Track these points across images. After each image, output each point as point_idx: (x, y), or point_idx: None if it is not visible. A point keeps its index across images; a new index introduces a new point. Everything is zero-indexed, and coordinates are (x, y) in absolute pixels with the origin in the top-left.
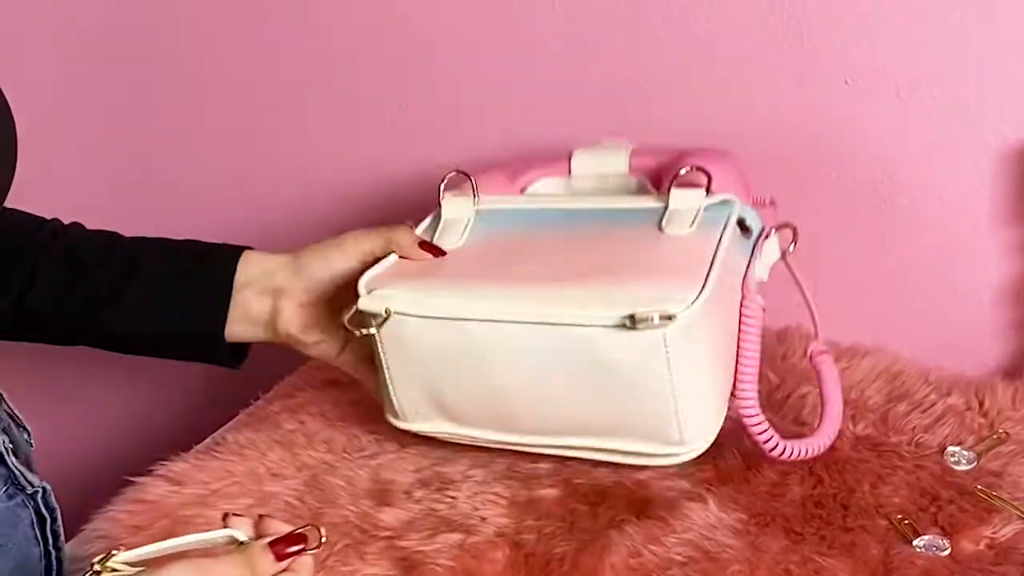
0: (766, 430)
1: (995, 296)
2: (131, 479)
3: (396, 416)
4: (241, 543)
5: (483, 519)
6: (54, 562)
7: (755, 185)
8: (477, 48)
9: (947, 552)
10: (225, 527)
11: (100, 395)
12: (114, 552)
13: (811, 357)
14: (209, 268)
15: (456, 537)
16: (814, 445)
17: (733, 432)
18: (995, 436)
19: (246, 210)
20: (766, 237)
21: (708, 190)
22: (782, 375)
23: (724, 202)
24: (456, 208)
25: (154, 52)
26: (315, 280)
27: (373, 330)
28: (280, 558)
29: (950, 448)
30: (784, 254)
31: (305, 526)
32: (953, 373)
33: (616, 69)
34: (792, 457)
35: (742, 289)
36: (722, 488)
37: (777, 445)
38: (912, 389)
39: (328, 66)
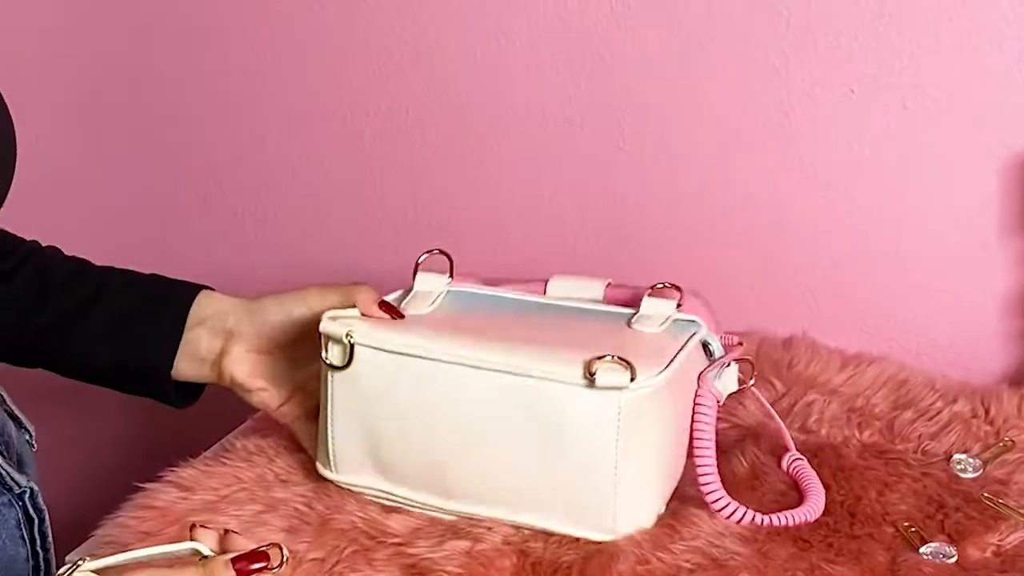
0: (722, 498)
1: (1001, 305)
2: (140, 485)
3: (327, 466)
4: (204, 557)
5: (490, 527)
6: (42, 563)
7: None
8: (480, 54)
9: (954, 559)
10: (192, 539)
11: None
12: (79, 562)
13: (788, 468)
14: (165, 303)
15: (464, 544)
16: (796, 517)
17: (739, 440)
18: (1001, 444)
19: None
20: (727, 365)
21: (679, 306)
22: (788, 384)
23: (692, 321)
24: (429, 282)
25: (152, 53)
26: (268, 326)
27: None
28: (241, 575)
29: (956, 456)
30: (742, 387)
31: (269, 545)
32: (959, 381)
33: (616, 71)
34: (761, 524)
35: (698, 381)
36: (730, 496)
37: (733, 511)
38: (918, 397)
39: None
